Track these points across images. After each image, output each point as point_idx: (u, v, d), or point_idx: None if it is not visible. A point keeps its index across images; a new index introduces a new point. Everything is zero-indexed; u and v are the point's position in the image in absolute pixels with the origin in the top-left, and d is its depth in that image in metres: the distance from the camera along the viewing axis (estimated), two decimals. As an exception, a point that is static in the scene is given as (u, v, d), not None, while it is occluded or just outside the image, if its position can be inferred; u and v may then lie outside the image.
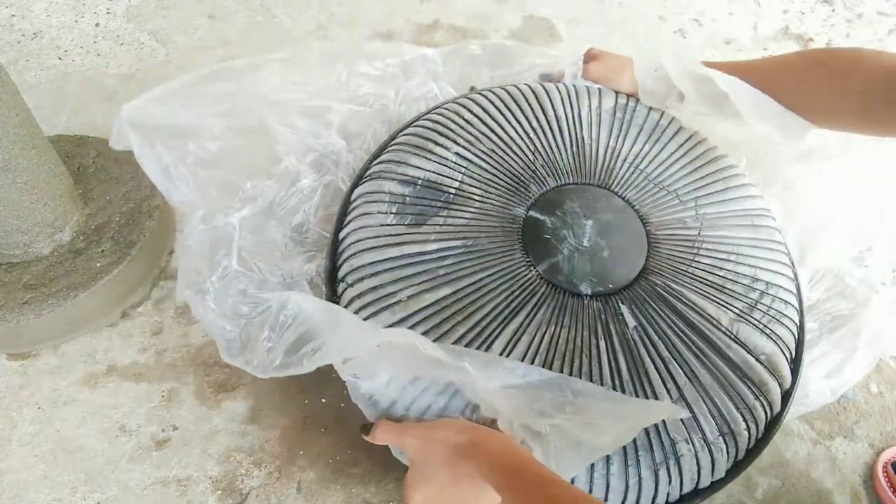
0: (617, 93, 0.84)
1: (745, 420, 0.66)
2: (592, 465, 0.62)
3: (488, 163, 0.75)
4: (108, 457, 0.76)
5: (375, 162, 0.79)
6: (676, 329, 0.68)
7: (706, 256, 0.73)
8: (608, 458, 0.62)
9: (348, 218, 0.76)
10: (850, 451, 0.76)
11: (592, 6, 1.23)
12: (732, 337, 0.68)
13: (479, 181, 0.74)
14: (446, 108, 0.81)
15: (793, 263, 0.80)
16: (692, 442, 0.63)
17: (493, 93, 0.82)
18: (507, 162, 0.76)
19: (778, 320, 0.71)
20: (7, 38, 1.14)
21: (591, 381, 0.63)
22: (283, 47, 1.14)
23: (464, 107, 0.80)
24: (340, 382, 0.63)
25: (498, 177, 0.75)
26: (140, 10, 1.18)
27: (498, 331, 0.65)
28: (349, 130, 0.85)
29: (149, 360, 0.83)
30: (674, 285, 0.70)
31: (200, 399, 0.80)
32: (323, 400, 0.81)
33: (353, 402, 0.64)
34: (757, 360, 0.68)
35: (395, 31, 1.20)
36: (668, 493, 0.65)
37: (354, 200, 0.76)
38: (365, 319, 0.66)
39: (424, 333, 0.64)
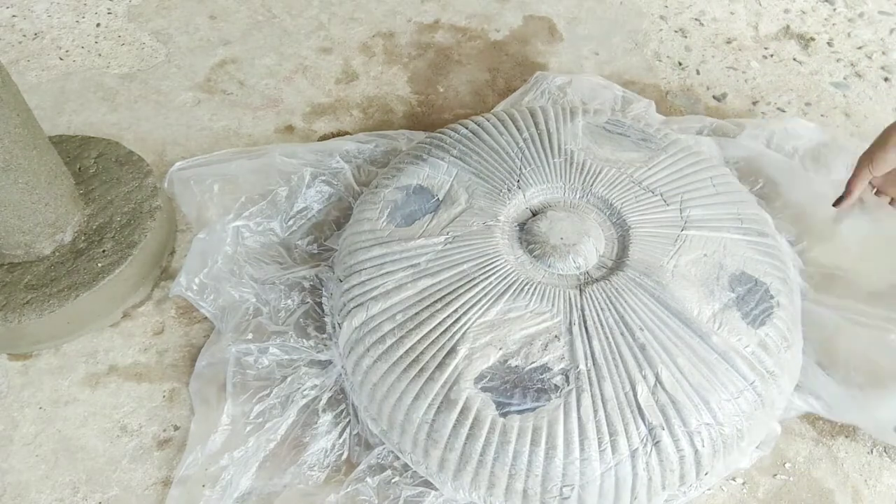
0: (612, 110, 0.88)
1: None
2: (567, 446, 0.62)
3: (478, 168, 0.81)
4: (109, 457, 0.76)
5: (379, 176, 0.87)
6: (653, 316, 0.68)
7: (689, 251, 0.74)
8: (581, 441, 0.62)
9: (349, 223, 0.82)
10: (852, 450, 0.76)
11: (593, 5, 1.24)
12: (714, 327, 0.68)
13: (466, 184, 0.79)
14: (448, 127, 0.88)
15: (791, 269, 0.80)
16: (671, 429, 0.63)
17: (493, 114, 0.88)
18: (495, 167, 0.81)
19: (768, 317, 0.71)
20: (8, 39, 1.14)
21: (563, 364, 0.65)
22: (284, 47, 1.15)
23: (462, 125, 0.87)
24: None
25: (485, 180, 0.80)
26: (141, 11, 1.19)
27: (476, 318, 0.68)
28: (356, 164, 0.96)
29: (150, 360, 0.83)
30: (654, 275, 0.72)
31: (202, 399, 0.80)
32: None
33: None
34: (742, 352, 0.68)
35: (397, 30, 1.20)
36: (649, 483, 0.64)
37: (356, 208, 0.83)
38: (351, 310, 0.72)
39: (404, 322, 0.69)
